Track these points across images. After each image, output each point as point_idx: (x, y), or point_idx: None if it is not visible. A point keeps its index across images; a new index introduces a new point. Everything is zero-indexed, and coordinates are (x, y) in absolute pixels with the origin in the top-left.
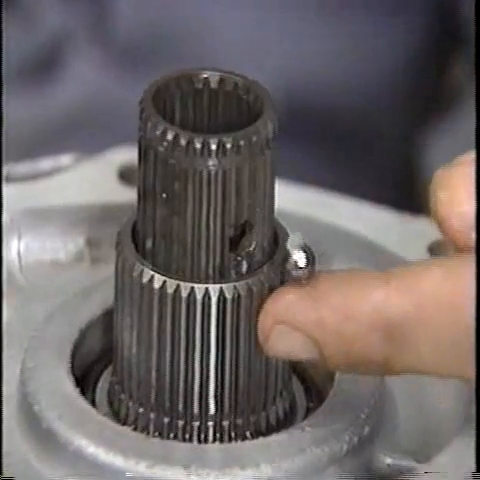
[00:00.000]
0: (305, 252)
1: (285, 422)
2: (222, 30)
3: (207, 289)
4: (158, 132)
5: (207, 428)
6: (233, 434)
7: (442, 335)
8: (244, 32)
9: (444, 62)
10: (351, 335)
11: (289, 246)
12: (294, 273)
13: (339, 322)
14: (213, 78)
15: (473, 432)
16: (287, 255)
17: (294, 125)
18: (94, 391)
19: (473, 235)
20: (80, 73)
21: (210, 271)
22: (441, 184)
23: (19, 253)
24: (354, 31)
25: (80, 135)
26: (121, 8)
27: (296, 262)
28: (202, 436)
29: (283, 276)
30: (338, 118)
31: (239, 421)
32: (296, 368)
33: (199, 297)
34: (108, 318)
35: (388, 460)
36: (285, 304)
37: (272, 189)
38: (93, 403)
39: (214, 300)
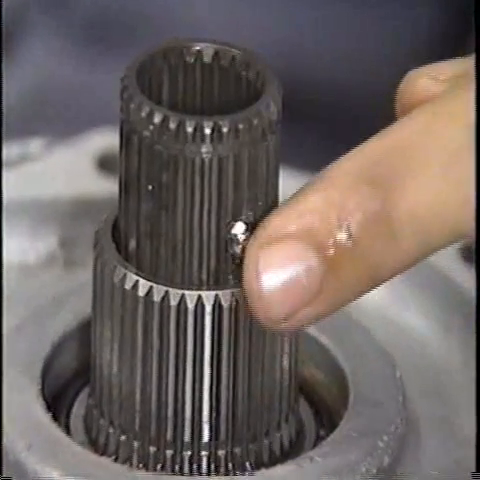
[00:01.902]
0: (245, 223)
1: (291, 451)
2: (192, 6)
3: (200, 296)
4: (143, 114)
5: (200, 458)
6: (230, 465)
7: (430, 163)
8: (226, 8)
9: (454, 46)
10: (340, 203)
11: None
12: (231, 249)
13: (324, 199)
14: (207, 51)
15: None
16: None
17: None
18: (68, 416)
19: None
20: (37, 54)
21: (204, 276)
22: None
23: None
24: (360, 15)
25: (39, 120)
26: None
27: (235, 235)
28: (194, 467)
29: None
30: (340, 104)
31: (237, 450)
32: (304, 388)
33: (191, 306)
34: (85, 330)
35: None
36: (262, 228)
37: (276, 180)
38: (67, 430)
39: (208, 309)
